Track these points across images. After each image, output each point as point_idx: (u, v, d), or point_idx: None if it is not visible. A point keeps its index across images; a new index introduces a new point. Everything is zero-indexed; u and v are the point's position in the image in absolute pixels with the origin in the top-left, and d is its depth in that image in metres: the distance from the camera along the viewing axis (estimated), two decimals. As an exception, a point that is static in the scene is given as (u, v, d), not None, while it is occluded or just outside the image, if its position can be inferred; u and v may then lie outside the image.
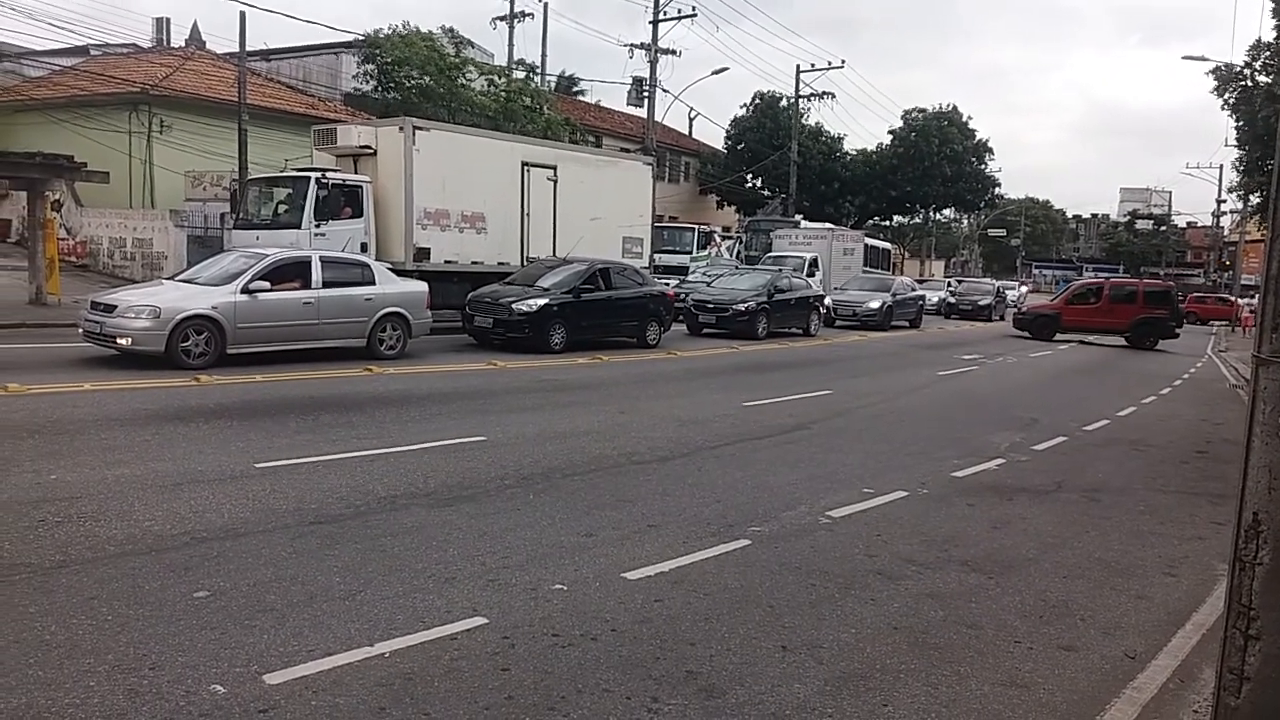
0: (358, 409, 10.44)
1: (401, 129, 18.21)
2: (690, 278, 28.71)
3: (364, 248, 17.54)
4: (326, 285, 13.91)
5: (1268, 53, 22.91)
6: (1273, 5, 20.86)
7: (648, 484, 7.86)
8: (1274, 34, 21.49)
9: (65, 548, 5.48)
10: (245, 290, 12.96)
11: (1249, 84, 24.63)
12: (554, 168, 20.89)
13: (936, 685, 4.45)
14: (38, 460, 7.36)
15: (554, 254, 20.13)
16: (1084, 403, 14.95)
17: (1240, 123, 25.87)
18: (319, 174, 17.47)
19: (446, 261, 18.82)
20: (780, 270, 26.75)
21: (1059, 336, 28.92)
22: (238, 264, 13.66)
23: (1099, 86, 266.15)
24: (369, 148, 18.42)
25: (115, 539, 5.67)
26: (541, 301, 16.86)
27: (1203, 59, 28.19)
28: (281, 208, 17.94)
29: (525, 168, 20.28)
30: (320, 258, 14.23)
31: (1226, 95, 25.19)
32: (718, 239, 36.18)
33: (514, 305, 16.72)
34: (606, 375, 14.92)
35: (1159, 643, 5.17)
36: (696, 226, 36.09)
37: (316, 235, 16.86)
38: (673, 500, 7.38)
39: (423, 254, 18.34)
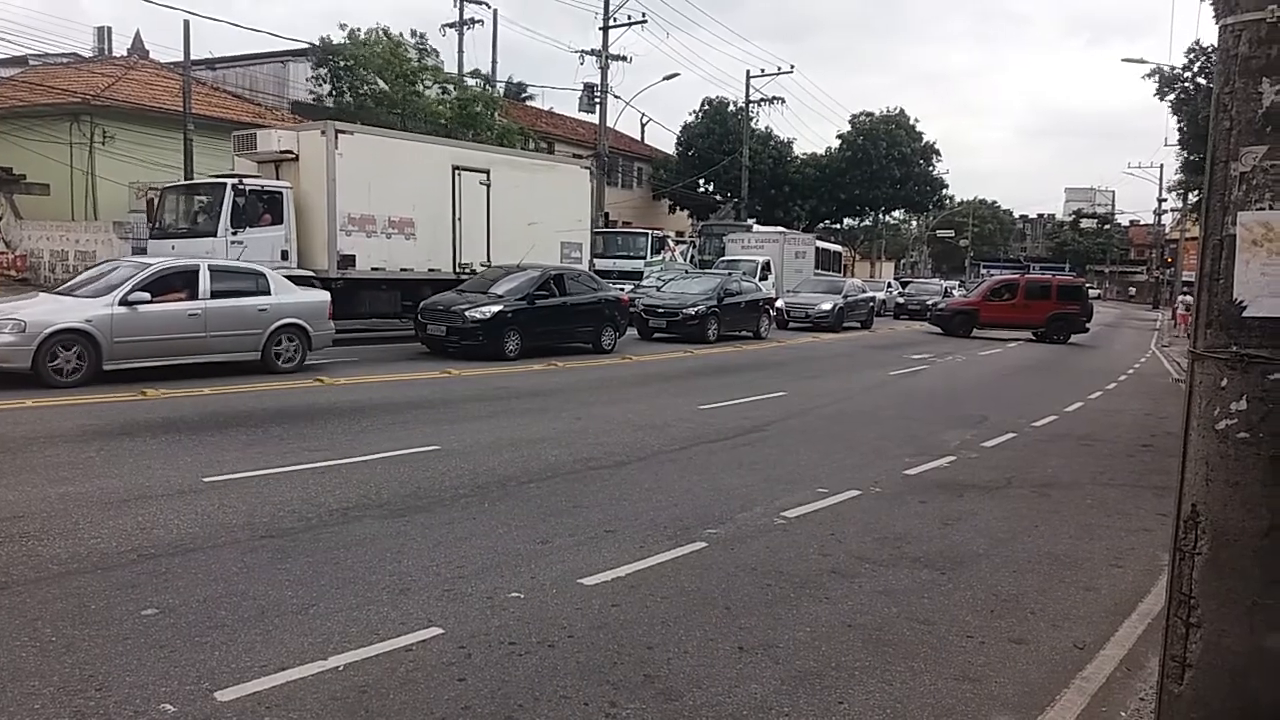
0: (308, 420, 10.32)
1: (323, 132, 17.82)
2: (644, 283, 28.76)
3: (284, 255, 17.25)
4: (216, 296, 13.09)
5: (1204, 57, 23.51)
6: (1213, 10, 21.43)
7: (604, 489, 7.86)
8: (1215, 38, 22.16)
9: (7, 568, 5.35)
10: (124, 302, 12.16)
11: (1189, 86, 25.25)
12: (487, 171, 20.56)
13: (891, 681, 4.50)
14: (-22, 479, 7.18)
15: (488, 260, 20.06)
16: (1033, 399, 15.21)
17: (1182, 124, 26.52)
18: (235, 180, 17.01)
19: (373, 269, 18.52)
20: (730, 274, 26.90)
21: (976, 333, 29.42)
22: (119, 274, 12.88)
23: (1044, 88, 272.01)
24: (290, 152, 18.01)
25: (59, 558, 5.55)
26: (495, 308, 16.75)
27: (1141, 61, 28.90)
28: (200, 216, 17.45)
29: (456, 171, 19.96)
30: (210, 266, 13.43)
31: (1169, 97, 25.81)
32: (671, 244, 36.30)
33: (467, 312, 16.60)
34: (561, 381, 14.89)
35: (1106, 633, 5.28)
36: (650, 231, 36.16)
37: (233, 243, 16.47)
38: (629, 505, 7.38)
39: (347, 261, 17.99)
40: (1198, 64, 24.61)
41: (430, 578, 5.51)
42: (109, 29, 37.91)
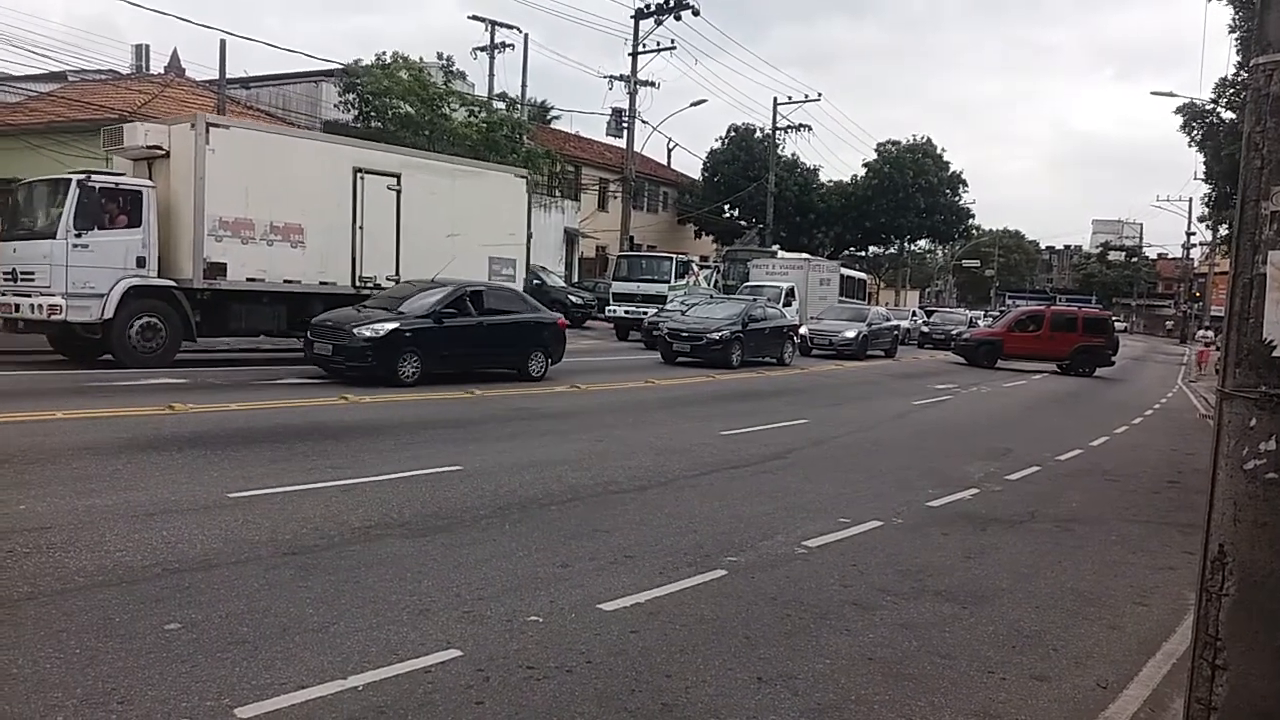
0: (333, 438, 10.38)
1: (193, 125, 16.14)
2: (668, 307, 28.84)
3: (141, 261, 15.58)
4: None
5: (1232, 90, 23.38)
6: (1238, 45, 21.36)
7: (624, 514, 7.86)
8: (1234, 69, 22.05)
9: (34, 579, 5.41)
10: None
11: (1215, 121, 25.11)
12: (397, 176, 18.57)
13: (910, 716, 4.46)
14: (6, 490, 7.26)
15: (397, 274, 18.33)
16: (1057, 432, 15.09)
17: (1207, 159, 26.35)
18: (83, 175, 15.36)
19: (249, 279, 16.63)
20: (754, 299, 26.91)
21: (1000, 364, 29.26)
22: None
23: (1072, 120, 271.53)
24: (160, 148, 16.34)
25: (85, 570, 5.61)
26: (390, 326, 14.99)
27: (1171, 95, 28.80)
28: (53, 214, 15.34)
29: (359, 174, 17.99)
30: None
31: (1194, 132, 25.64)
32: (695, 268, 36.42)
33: (356, 330, 14.84)
34: (583, 404, 14.92)
35: (1130, 672, 5.21)
36: (674, 256, 36.32)
37: (76, 247, 14.82)
38: (649, 530, 7.37)
39: (217, 270, 16.13)
40: (1224, 98, 24.46)
41: (450, 599, 5.53)
42: (147, 47, 38.59)
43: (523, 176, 22.41)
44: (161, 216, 15.96)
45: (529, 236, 22.66)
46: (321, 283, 17.65)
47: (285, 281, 17.16)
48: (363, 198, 18.03)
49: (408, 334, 15.15)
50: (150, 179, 16.30)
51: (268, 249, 16.81)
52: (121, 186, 15.78)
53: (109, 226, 15.31)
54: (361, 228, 18.07)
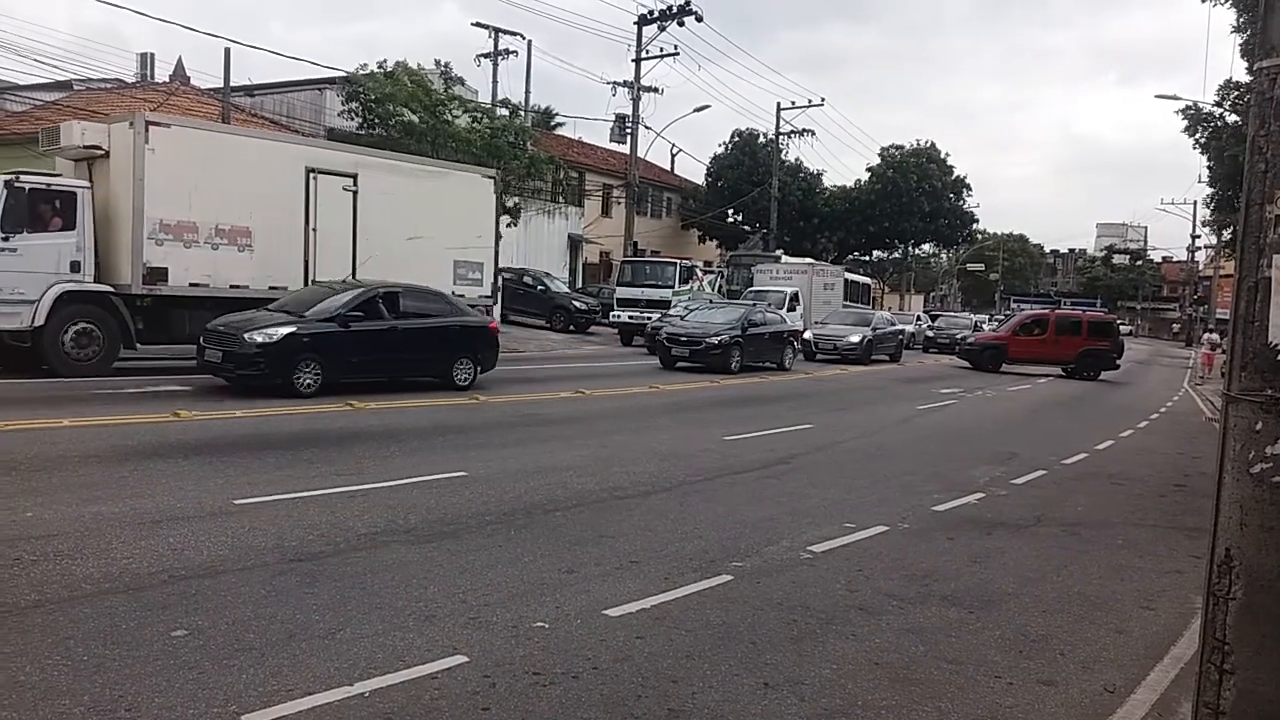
0: (338, 445, 10.40)
1: (132, 124, 15.43)
2: (670, 312, 28.86)
3: (75, 266, 14.79)
4: None
5: (1236, 92, 23.34)
6: (1241, 47, 21.35)
7: (629, 519, 7.86)
8: (1244, 72, 22.04)
9: (41, 587, 5.42)
10: None
11: (1219, 123, 25.06)
12: (353, 176, 17.84)
13: (917, 721, 4.45)
14: (13, 497, 7.28)
15: (354, 278, 17.14)
16: (1062, 436, 15.06)
17: (1211, 162, 26.30)
18: (10, 176, 14.46)
19: (193, 284, 15.86)
20: (754, 304, 26.90)
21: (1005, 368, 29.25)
22: None
23: (1075, 124, 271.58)
24: (99, 148, 15.65)
25: (92, 577, 5.62)
26: (284, 331, 13.67)
27: (1175, 98, 28.62)
28: None
29: (312, 175, 17.25)
30: None
31: (1197, 135, 25.60)
32: (699, 273, 36.45)
33: (246, 335, 13.52)
34: (587, 409, 14.93)
35: (1137, 677, 5.20)
36: (679, 261, 36.32)
37: (3, 251, 14.03)
38: (654, 536, 7.37)
39: (158, 275, 15.42)
40: (1228, 100, 24.41)
41: (456, 605, 5.53)
42: (152, 55, 38.80)
43: (490, 177, 21.47)
44: (100, 219, 15.31)
45: (498, 238, 21.92)
46: (271, 287, 16.72)
47: (232, 287, 16.38)
48: (316, 199, 17.35)
49: (306, 339, 13.88)
50: (89, 180, 15.63)
51: (212, 253, 16.12)
52: (54, 187, 15.01)
53: (40, 229, 14.57)
54: (315, 230, 17.36)
